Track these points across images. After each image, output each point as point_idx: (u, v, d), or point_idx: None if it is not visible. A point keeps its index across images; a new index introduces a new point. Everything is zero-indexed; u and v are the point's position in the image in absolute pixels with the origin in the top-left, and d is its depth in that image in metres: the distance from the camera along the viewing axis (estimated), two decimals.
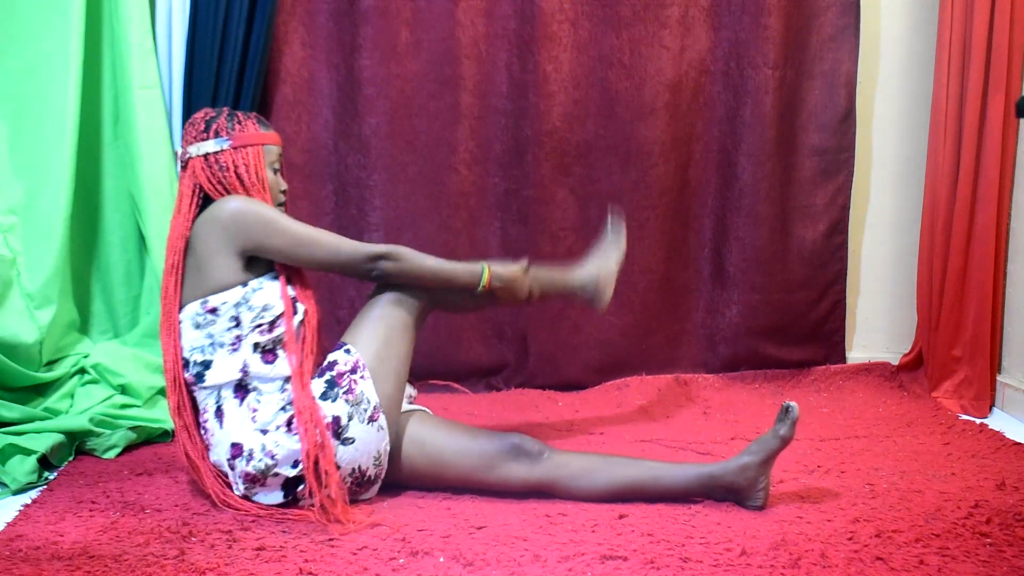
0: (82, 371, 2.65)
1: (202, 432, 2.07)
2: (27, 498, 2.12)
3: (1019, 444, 2.52)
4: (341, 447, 1.99)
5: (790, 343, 3.18)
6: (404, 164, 3.00)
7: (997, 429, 2.66)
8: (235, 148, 2.07)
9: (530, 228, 3.05)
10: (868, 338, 3.29)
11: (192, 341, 2.02)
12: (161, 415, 2.58)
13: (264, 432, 1.98)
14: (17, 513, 2.02)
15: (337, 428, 1.99)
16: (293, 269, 2.09)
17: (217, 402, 2.03)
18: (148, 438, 2.52)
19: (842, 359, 3.22)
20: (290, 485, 2.00)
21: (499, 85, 3.00)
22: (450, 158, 3.01)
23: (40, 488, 2.20)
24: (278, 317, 2.02)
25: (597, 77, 3.01)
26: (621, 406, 2.92)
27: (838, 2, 3.02)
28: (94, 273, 2.83)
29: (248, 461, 1.98)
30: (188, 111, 2.83)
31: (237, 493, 2.03)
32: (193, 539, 1.86)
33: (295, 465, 1.98)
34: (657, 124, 3.03)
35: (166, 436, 2.55)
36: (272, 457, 1.97)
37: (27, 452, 2.27)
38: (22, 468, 2.22)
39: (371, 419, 2.03)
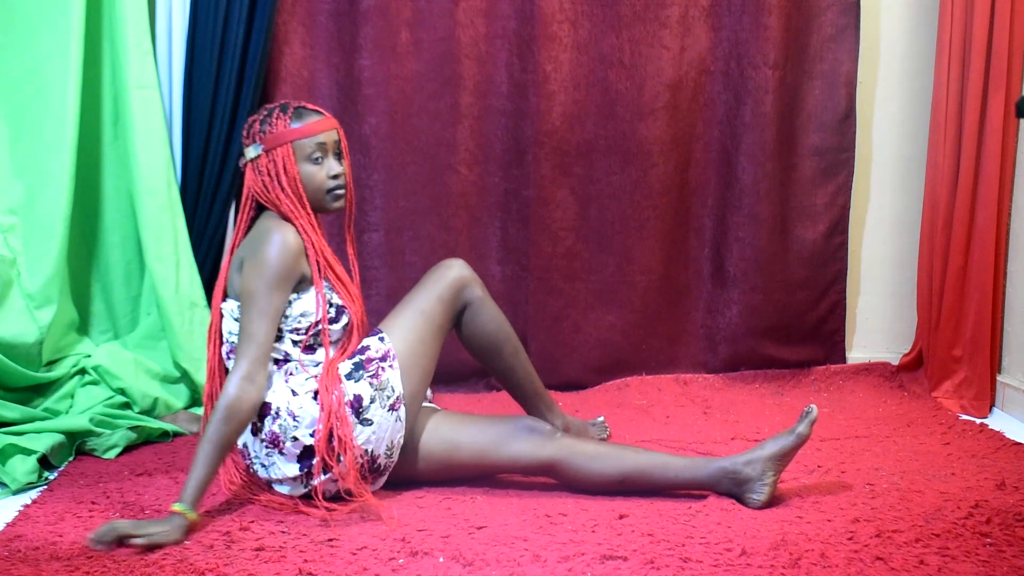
0: (82, 371, 2.65)
1: None
2: (27, 498, 2.12)
3: (1019, 444, 2.52)
4: (359, 426, 2.03)
5: (790, 343, 3.18)
6: (404, 164, 3.00)
7: (997, 429, 2.66)
8: (267, 151, 2.07)
9: (530, 228, 3.05)
10: (868, 338, 3.29)
11: (233, 327, 2.08)
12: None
13: (294, 394, 2.03)
14: (16, 514, 2.02)
15: (358, 407, 2.04)
16: (334, 276, 2.11)
17: None
18: (148, 438, 2.52)
19: (842, 359, 3.22)
20: (306, 456, 2.02)
21: (499, 85, 3.00)
22: (450, 158, 3.01)
23: (40, 488, 2.20)
24: (317, 322, 2.06)
25: (597, 77, 3.00)
26: (621, 406, 2.91)
27: (838, 2, 3.02)
28: (94, 273, 2.83)
29: (275, 420, 2.02)
30: (188, 111, 2.83)
31: (255, 471, 2.08)
32: (189, 540, 1.85)
33: (313, 434, 2.01)
34: (657, 124, 3.03)
35: (166, 436, 2.56)
36: (295, 419, 2.01)
37: (27, 452, 2.27)
38: (22, 468, 2.22)
39: (392, 407, 2.08)
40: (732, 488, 2.07)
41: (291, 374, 2.06)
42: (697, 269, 3.18)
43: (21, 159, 2.67)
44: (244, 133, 2.13)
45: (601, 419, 2.60)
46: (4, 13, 2.66)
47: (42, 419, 2.43)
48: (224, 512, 2.01)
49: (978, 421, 2.76)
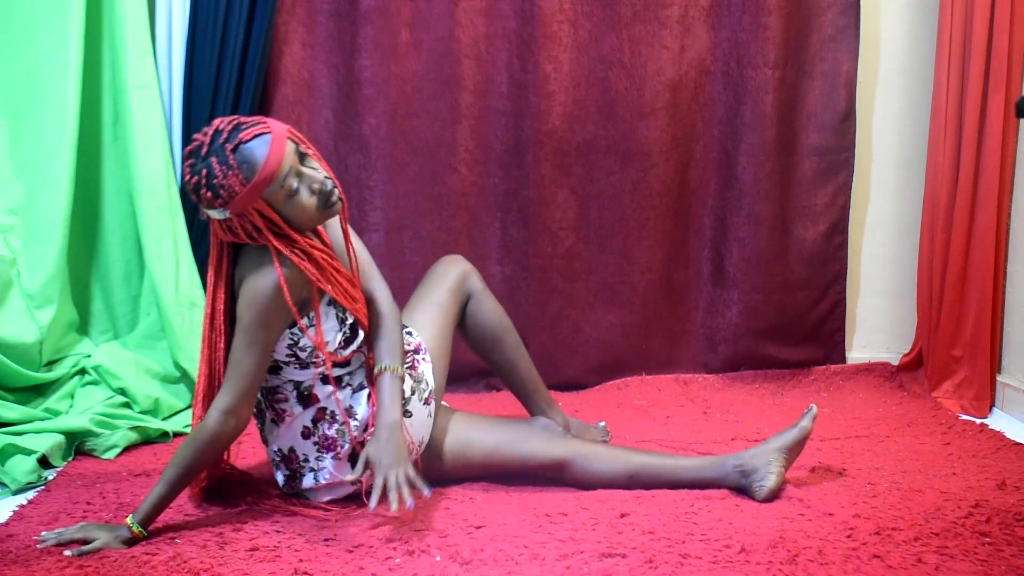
0: (82, 371, 2.65)
1: (268, 420, 2.05)
2: (23, 499, 2.12)
3: (1019, 444, 2.51)
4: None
5: (790, 343, 3.18)
6: (404, 164, 3.00)
7: (997, 429, 2.65)
8: (237, 215, 1.83)
9: (530, 228, 3.05)
10: (868, 338, 3.29)
11: None
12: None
13: (354, 393, 2.03)
14: (11, 514, 2.02)
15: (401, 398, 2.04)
16: (340, 291, 1.94)
17: (296, 388, 2.02)
18: (148, 438, 2.52)
19: (842, 359, 3.22)
20: (356, 456, 2.01)
21: (499, 85, 3.00)
22: (450, 158, 3.01)
23: (39, 488, 2.19)
24: (336, 348, 1.99)
25: (597, 77, 3.00)
26: (621, 406, 2.91)
27: (838, 2, 3.02)
28: (94, 273, 2.84)
29: (331, 424, 2.01)
30: (188, 111, 2.83)
31: (294, 484, 2.05)
32: (179, 540, 1.85)
33: (365, 429, 2.01)
34: (657, 124, 3.03)
35: (166, 436, 2.56)
36: (354, 416, 2.01)
37: (27, 452, 2.27)
38: (22, 468, 2.22)
39: (426, 402, 2.10)
40: (740, 480, 2.08)
41: (345, 378, 2.02)
42: (697, 269, 3.18)
43: (21, 159, 2.67)
44: (191, 195, 1.85)
45: (603, 424, 2.59)
46: (4, 13, 2.67)
47: (42, 419, 2.43)
48: (218, 512, 2.00)
49: (978, 421, 2.75)
